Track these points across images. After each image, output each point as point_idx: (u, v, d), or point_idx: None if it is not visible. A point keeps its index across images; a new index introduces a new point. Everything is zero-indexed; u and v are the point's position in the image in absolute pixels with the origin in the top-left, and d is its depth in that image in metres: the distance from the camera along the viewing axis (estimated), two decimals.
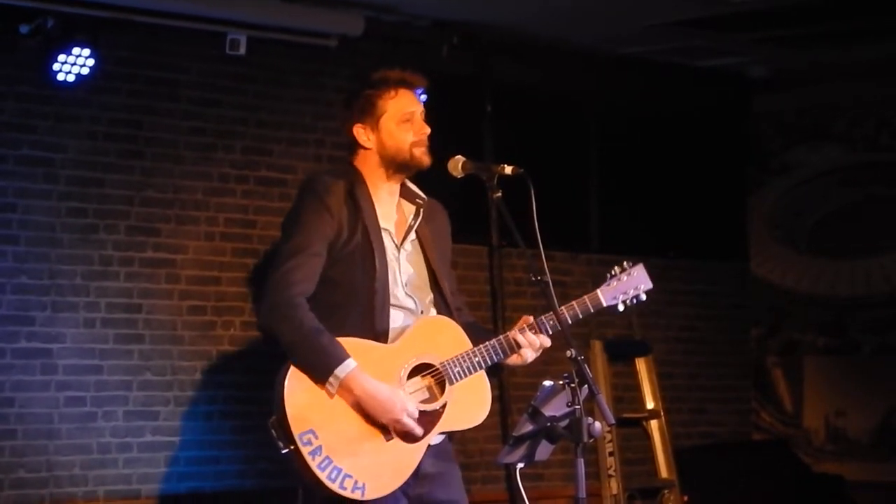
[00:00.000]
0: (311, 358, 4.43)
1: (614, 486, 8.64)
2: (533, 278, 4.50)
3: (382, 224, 4.66)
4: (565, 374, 4.38)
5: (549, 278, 4.48)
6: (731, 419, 9.94)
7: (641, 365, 9.05)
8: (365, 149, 4.71)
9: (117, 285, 7.34)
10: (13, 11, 6.94)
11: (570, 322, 4.67)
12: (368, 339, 4.54)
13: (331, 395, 4.43)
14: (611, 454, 8.68)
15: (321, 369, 4.42)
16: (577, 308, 4.70)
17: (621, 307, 4.81)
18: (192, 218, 7.58)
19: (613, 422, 4.45)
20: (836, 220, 9.94)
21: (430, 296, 4.72)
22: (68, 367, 7.17)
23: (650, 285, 4.83)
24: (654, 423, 9.02)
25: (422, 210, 4.74)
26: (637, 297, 4.81)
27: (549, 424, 4.48)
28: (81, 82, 7.11)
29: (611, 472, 8.65)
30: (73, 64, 7.04)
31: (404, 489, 4.56)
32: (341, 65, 8.09)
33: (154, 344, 7.42)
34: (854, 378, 9.82)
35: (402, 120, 4.67)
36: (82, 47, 7.01)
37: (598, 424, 4.35)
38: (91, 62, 7.06)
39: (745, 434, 10.04)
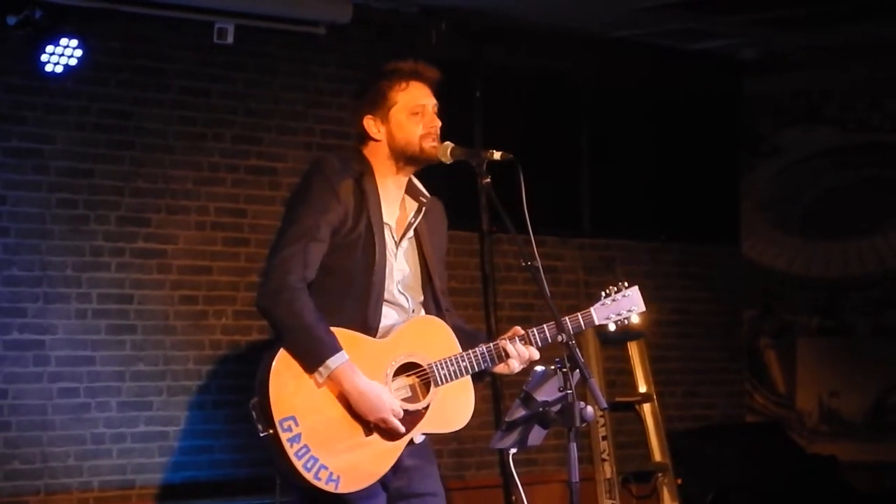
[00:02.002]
0: (304, 345, 4.41)
1: (608, 470, 8.64)
2: (523, 263, 4.48)
3: (385, 219, 4.63)
4: (557, 359, 4.37)
5: (539, 263, 4.47)
6: (725, 401, 9.96)
7: (634, 348, 9.04)
8: (375, 140, 4.65)
9: (109, 276, 7.33)
10: (0, 2, 6.92)
11: (560, 340, 4.63)
12: (357, 331, 4.52)
13: (318, 385, 4.42)
14: (604, 438, 8.68)
15: (312, 357, 4.40)
16: (569, 324, 4.67)
17: (612, 326, 4.79)
18: (182, 208, 7.58)
19: (606, 406, 4.45)
20: (829, 202, 9.94)
21: (422, 296, 4.70)
22: (61, 359, 7.17)
23: (643, 308, 4.81)
24: (647, 407, 9.02)
25: (423, 208, 4.72)
26: (628, 318, 4.80)
27: (541, 409, 4.48)
28: (70, 73, 7.10)
29: (604, 456, 8.66)
30: (62, 55, 7.02)
31: (384, 481, 4.56)
32: (330, 52, 8.08)
33: (146, 334, 7.42)
34: (847, 359, 9.83)
35: (412, 112, 4.61)
36: (70, 38, 7.00)
37: (590, 409, 4.35)
38: (79, 53, 7.04)
39: (738, 416, 10.05)
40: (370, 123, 4.64)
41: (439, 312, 4.69)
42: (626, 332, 9.06)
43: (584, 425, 4.35)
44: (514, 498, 8.14)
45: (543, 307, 4.61)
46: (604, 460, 8.65)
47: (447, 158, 4.65)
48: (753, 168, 10.23)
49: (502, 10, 8.34)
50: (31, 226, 7.13)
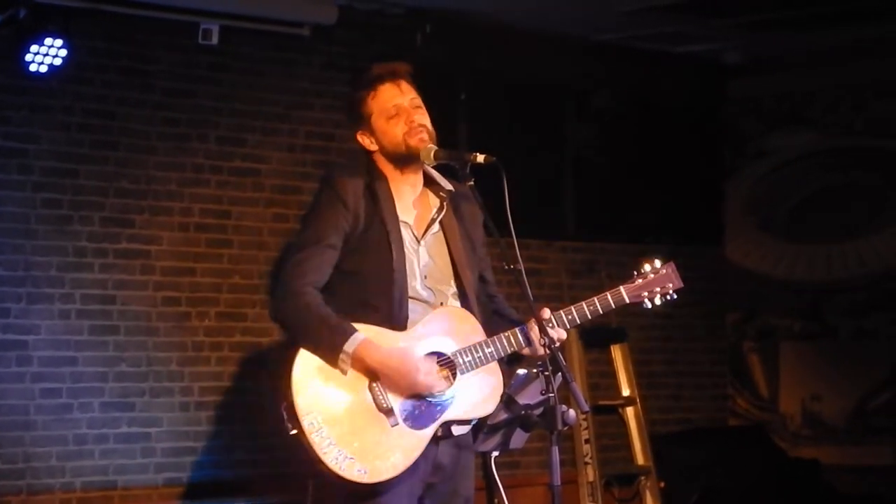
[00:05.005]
0: (319, 339, 4.45)
1: (590, 474, 8.65)
2: (506, 267, 4.50)
3: (402, 217, 4.65)
4: (539, 362, 4.38)
5: (522, 266, 4.48)
6: (708, 405, 9.96)
7: (617, 352, 9.06)
8: (373, 151, 4.71)
9: (92, 277, 7.32)
10: None
11: (589, 318, 4.67)
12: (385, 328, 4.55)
13: (344, 373, 4.44)
14: (587, 441, 8.69)
15: (330, 348, 4.43)
16: (597, 303, 4.69)
17: (648, 304, 4.79)
18: (166, 209, 7.56)
19: (587, 409, 4.45)
20: (812, 205, 9.96)
21: (453, 288, 4.71)
22: (43, 359, 7.16)
23: (681, 284, 4.81)
24: (630, 410, 9.04)
25: (446, 202, 4.73)
26: (667, 294, 4.80)
27: (523, 413, 4.49)
28: (54, 73, 7.08)
29: (587, 459, 8.67)
30: (46, 55, 7.00)
31: (422, 477, 4.56)
32: (315, 53, 8.08)
33: (129, 335, 7.41)
34: (830, 362, 9.85)
35: (388, 116, 4.66)
36: (55, 38, 6.97)
37: (572, 412, 4.35)
38: (64, 53, 7.02)
39: (721, 420, 10.06)
40: (362, 139, 4.73)
41: (467, 303, 4.70)
42: (609, 335, 9.09)
43: (566, 428, 4.37)
44: (496, 501, 8.10)
45: (526, 310, 4.62)
46: (586, 463, 8.66)
47: (430, 161, 4.67)
48: (738, 170, 10.25)
49: (487, 12, 8.34)
50: (15, 225, 7.11)
